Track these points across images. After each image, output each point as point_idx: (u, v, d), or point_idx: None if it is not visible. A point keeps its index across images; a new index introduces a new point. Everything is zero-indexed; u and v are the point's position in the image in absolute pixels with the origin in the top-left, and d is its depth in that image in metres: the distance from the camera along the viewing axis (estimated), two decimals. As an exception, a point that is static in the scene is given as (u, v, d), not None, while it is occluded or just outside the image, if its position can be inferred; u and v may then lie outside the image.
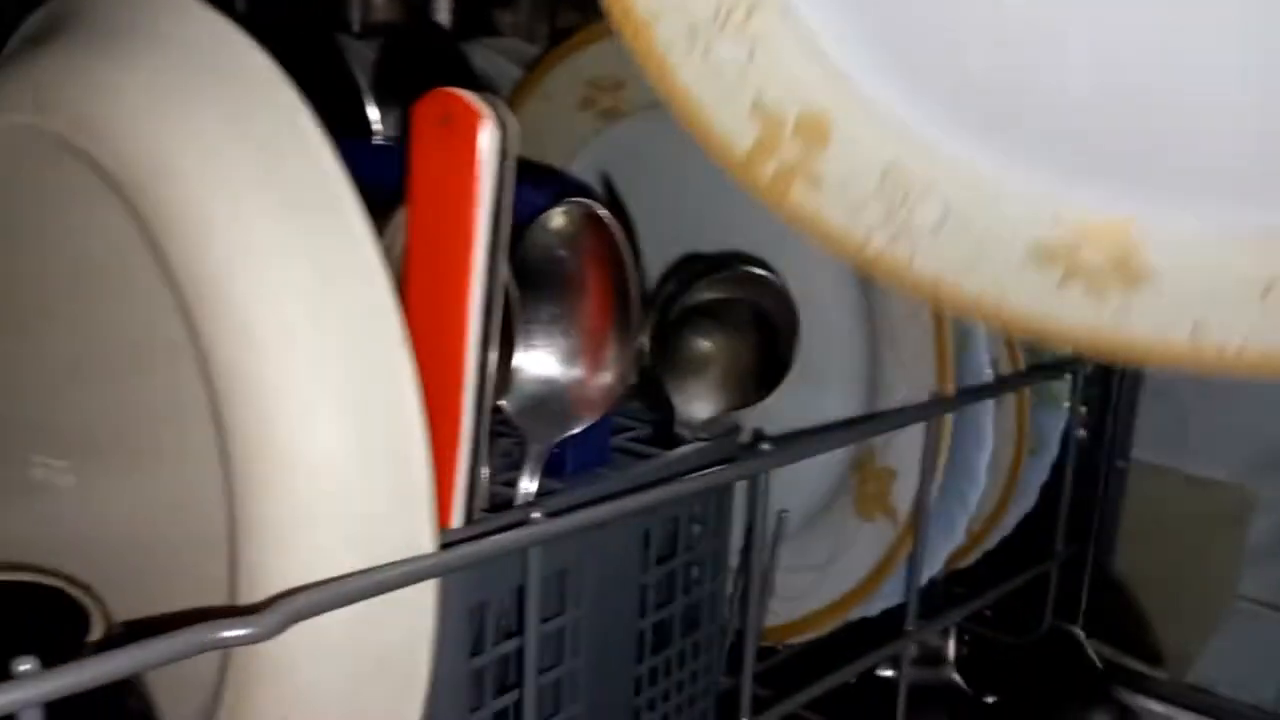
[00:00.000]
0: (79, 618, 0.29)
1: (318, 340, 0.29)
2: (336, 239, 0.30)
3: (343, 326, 0.30)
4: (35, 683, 0.22)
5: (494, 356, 0.33)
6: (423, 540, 0.30)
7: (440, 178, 0.32)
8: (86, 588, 0.30)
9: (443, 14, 0.91)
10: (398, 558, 0.29)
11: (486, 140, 0.31)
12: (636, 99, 0.51)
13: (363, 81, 0.43)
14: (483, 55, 0.71)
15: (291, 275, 0.30)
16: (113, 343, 0.33)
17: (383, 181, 0.32)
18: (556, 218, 0.34)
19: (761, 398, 0.42)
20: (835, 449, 0.47)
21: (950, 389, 0.46)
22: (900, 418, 0.46)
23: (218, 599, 0.31)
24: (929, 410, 0.46)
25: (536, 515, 0.32)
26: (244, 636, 0.25)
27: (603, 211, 0.34)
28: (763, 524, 0.39)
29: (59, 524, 0.36)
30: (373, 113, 0.43)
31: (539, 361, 0.35)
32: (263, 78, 0.31)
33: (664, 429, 0.41)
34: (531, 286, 0.35)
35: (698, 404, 0.41)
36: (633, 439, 0.41)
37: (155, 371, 0.32)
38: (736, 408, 0.42)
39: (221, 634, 0.24)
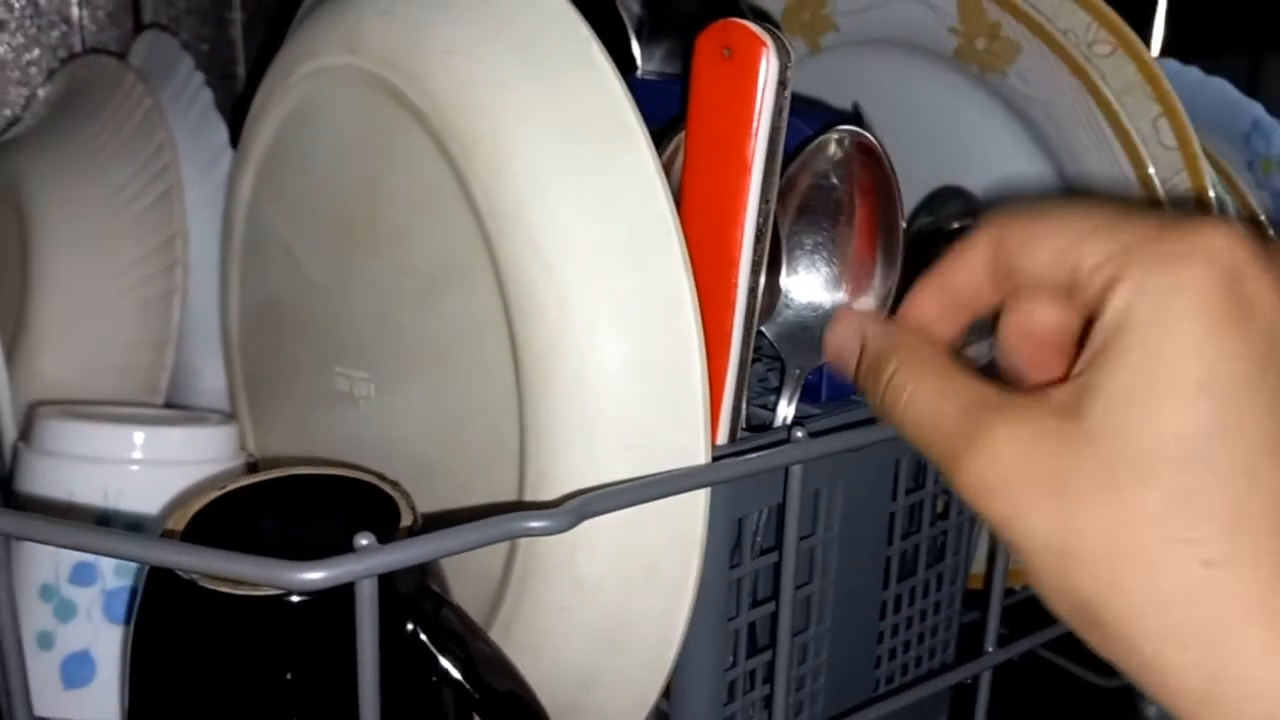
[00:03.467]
0: (390, 508, 0.32)
1: (605, 260, 0.31)
2: (625, 166, 0.31)
3: (628, 248, 0.31)
4: (374, 555, 0.25)
5: (762, 280, 0.34)
6: (696, 452, 0.31)
7: (720, 105, 0.33)
8: (394, 483, 0.33)
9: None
10: (672, 467, 0.31)
11: (768, 69, 0.32)
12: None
13: (627, 18, 0.44)
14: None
15: (582, 200, 0.31)
16: (416, 263, 0.35)
17: (651, 115, 0.33)
18: (830, 145, 0.34)
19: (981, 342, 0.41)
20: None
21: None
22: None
23: (505, 498, 0.34)
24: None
25: (800, 434, 0.33)
26: (543, 528, 0.27)
27: (875, 140, 0.34)
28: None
29: (360, 430, 0.39)
30: (636, 48, 0.44)
31: (803, 287, 0.36)
32: (556, 13, 0.33)
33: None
34: (798, 212, 0.35)
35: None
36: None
37: (454, 290, 0.34)
38: (972, 344, 0.41)
39: (526, 524, 0.27)
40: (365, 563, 0.25)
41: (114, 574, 0.39)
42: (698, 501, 0.31)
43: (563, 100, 0.32)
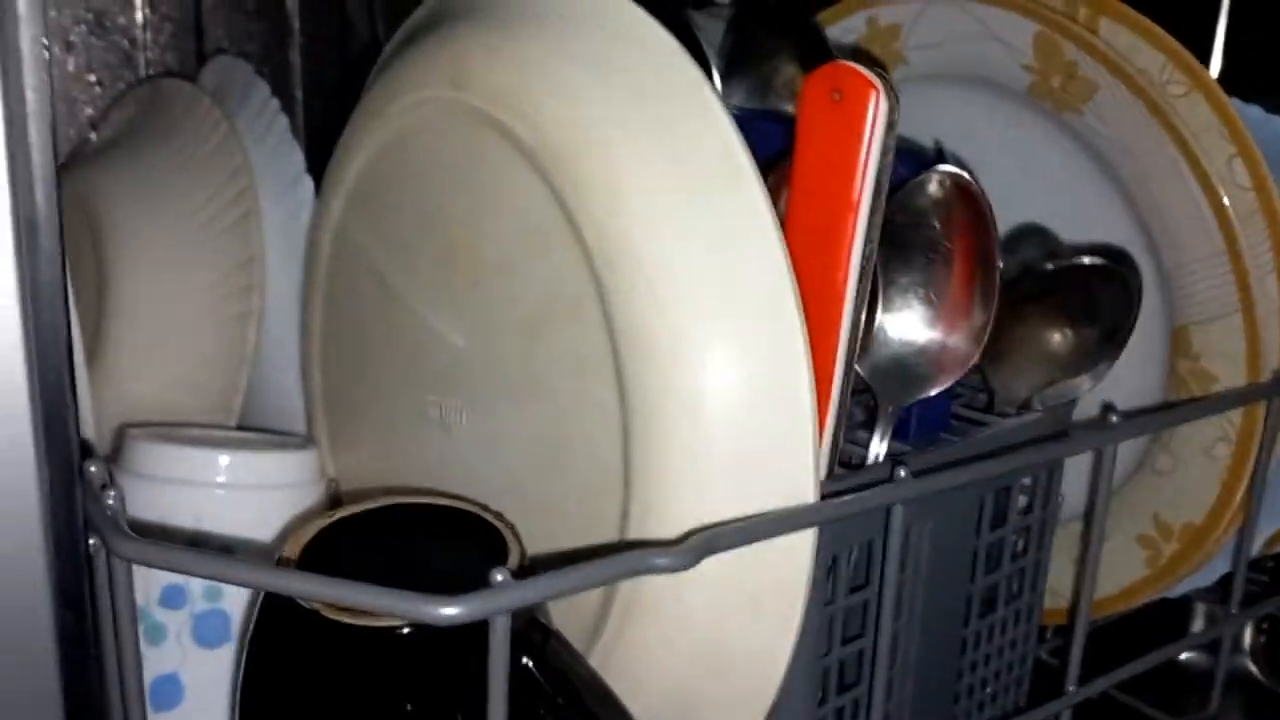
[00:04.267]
0: (495, 539, 0.32)
1: (717, 299, 0.32)
2: (738, 207, 0.32)
3: (741, 287, 0.32)
4: (509, 591, 0.25)
5: (862, 318, 0.34)
6: (806, 490, 0.31)
7: (828, 146, 0.33)
8: (498, 514, 0.34)
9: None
10: (780, 505, 0.31)
11: (877, 112, 0.32)
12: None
13: (711, 54, 0.45)
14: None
15: (695, 239, 0.32)
16: (520, 296, 0.36)
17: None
18: (930, 185, 0.35)
19: (1081, 378, 0.41)
20: (1180, 424, 0.46)
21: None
22: (1237, 397, 0.45)
23: (604, 532, 0.34)
24: (1271, 390, 0.44)
25: (903, 473, 0.33)
26: (668, 566, 0.27)
27: (974, 183, 0.35)
28: (1105, 497, 0.39)
29: (450, 457, 0.40)
30: (718, 83, 0.45)
31: (898, 324, 0.36)
32: (668, 56, 0.33)
33: (994, 397, 0.42)
34: (894, 249, 0.36)
35: (1016, 381, 0.42)
36: (964, 405, 0.42)
37: (559, 324, 0.35)
38: (1051, 387, 0.42)
39: (652, 562, 0.27)
40: (501, 599, 0.25)
41: (203, 597, 0.39)
42: (806, 539, 0.32)
43: (676, 141, 0.32)
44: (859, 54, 0.51)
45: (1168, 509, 0.48)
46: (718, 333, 0.31)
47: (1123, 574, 0.49)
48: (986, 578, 0.41)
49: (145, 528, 0.40)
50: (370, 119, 0.41)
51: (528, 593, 0.26)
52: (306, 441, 0.47)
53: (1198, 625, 0.62)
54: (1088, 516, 0.42)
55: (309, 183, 0.52)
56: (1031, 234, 0.46)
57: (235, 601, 0.39)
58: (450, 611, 0.25)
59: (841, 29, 0.54)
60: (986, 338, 0.36)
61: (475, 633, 0.26)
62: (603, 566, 0.27)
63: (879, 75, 0.32)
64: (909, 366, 0.36)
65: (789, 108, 0.45)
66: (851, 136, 0.33)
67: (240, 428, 0.51)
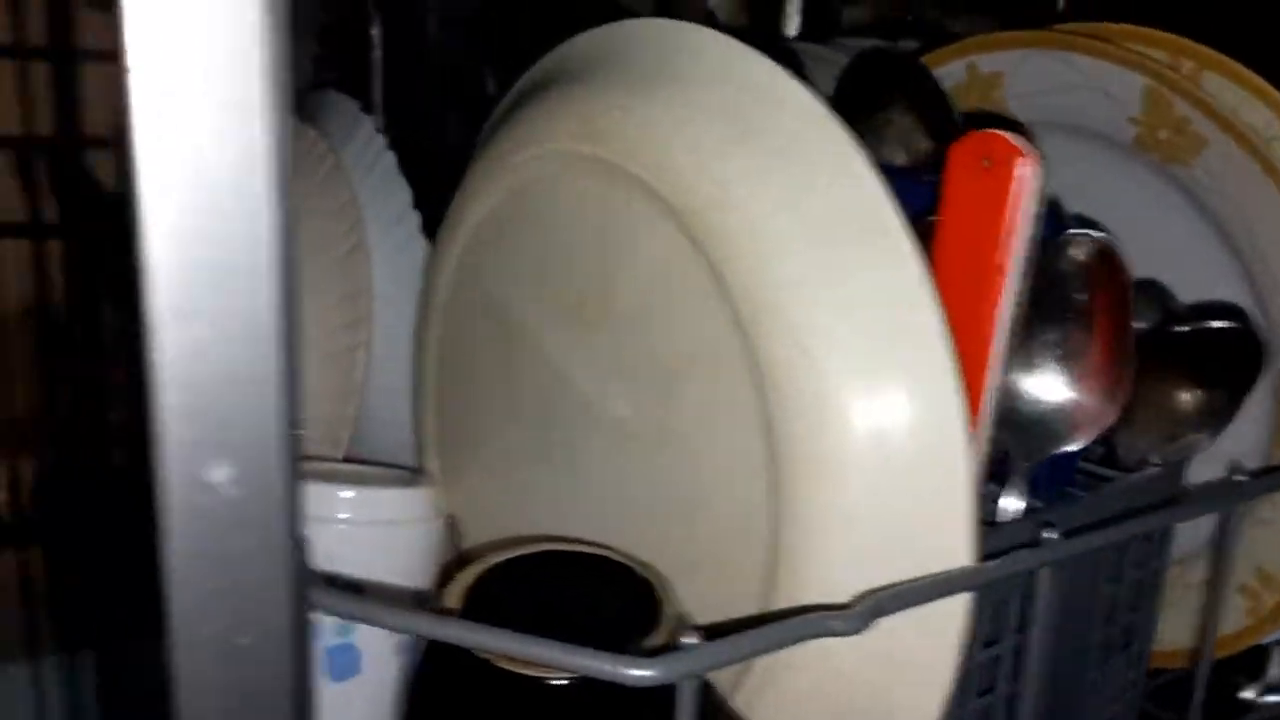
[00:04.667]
0: (648, 593, 0.33)
1: (869, 358, 0.32)
2: (891, 267, 0.32)
3: (895, 347, 0.32)
4: (701, 654, 0.26)
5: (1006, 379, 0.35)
6: (960, 551, 0.32)
7: (976, 213, 0.34)
8: (645, 564, 0.34)
9: (793, 16, 0.93)
10: (934, 566, 0.32)
11: (1028, 181, 0.33)
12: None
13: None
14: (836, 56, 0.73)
15: (846, 298, 0.32)
16: (655, 347, 0.37)
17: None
18: (1073, 248, 0.35)
19: (1202, 435, 0.42)
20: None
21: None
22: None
23: (741, 586, 0.35)
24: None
25: (1053, 535, 0.33)
26: (844, 629, 0.28)
27: (1114, 245, 0.35)
28: (1231, 555, 0.39)
29: (572, 499, 0.41)
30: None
31: (1037, 382, 0.37)
32: (811, 115, 0.34)
33: (1115, 451, 0.42)
34: (1032, 308, 0.36)
35: (1140, 437, 0.42)
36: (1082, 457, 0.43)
37: (698, 375, 0.35)
38: (1173, 443, 0.42)
39: (830, 625, 0.28)
40: (693, 661, 0.26)
41: (335, 632, 0.40)
42: (961, 600, 0.32)
43: (823, 200, 0.33)
44: (988, 117, 0.51)
45: (1272, 559, 0.48)
46: (871, 392, 0.32)
47: (1222, 623, 0.49)
48: (1105, 628, 0.41)
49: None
50: (493, 165, 0.42)
51: (718, 656, 0.26)
52: (421, 476, 0.48)
53: (1275, 670, 0.62)
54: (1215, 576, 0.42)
55: (415, 218, 0.53)
56: (1147, 288, 0.47)
57: (366, 637, 0.40)
58: (644, 673, 0.25)
59: (940, 75, 0.54)
60: (1126, 399, 0.36)
61: (645, 688, 0.27)
62: (781, 630, 0.27)
63: (1028, 142, 0.33)
64: (1046, 424, 0.37)
65: (898, 159, 0.46)
66: (1001, 203, 0.33)
67: (347, 460, 0.52)
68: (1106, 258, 0.36)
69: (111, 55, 0.17)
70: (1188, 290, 0.49)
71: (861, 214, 0.33)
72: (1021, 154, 0.33)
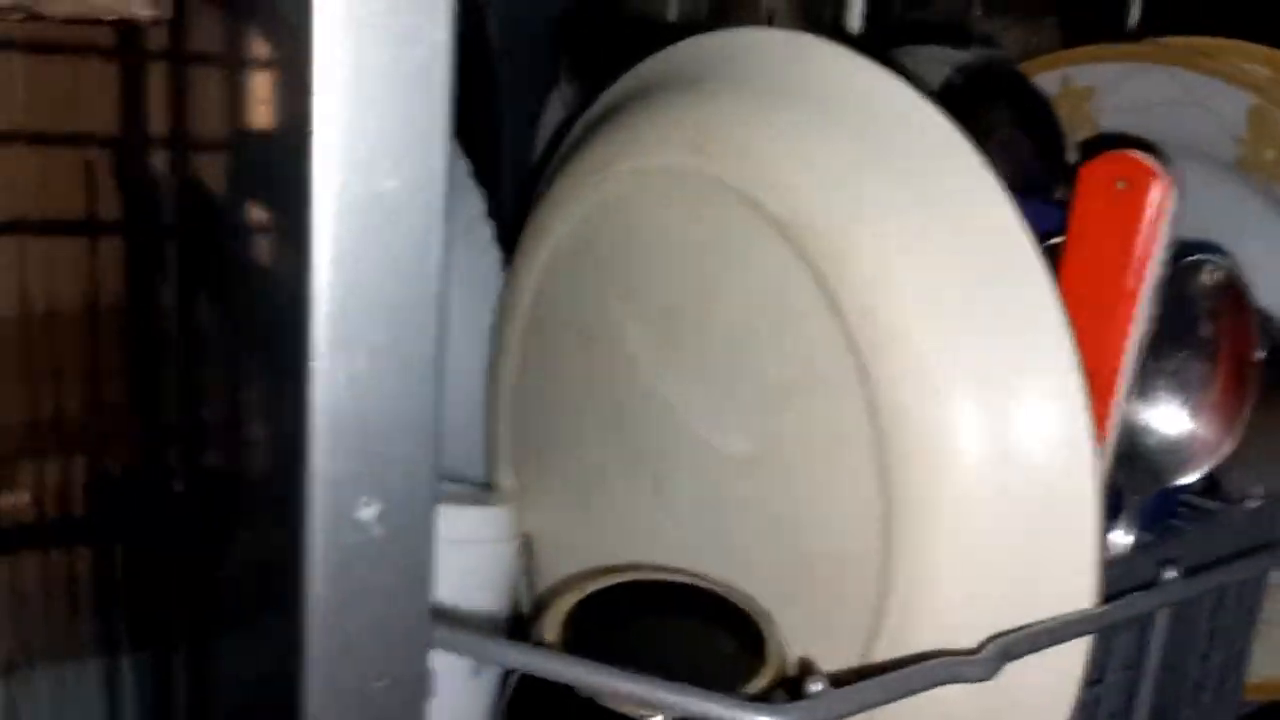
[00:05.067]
0: (747, 626, 0.32)
1: (995, 385, 0.31)
2: (1021, 294, 0.31)
3: (1020, 375, 0.31)
4: (829, 703, 0.25)
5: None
6: (1084, 593, 0.31)
7: (1108, 234, 0.32)
8: (745, 595, 0.33)
9: (855, 17, 0.91)
10: (1054, 606, 0.30)
11: (1163, 204, 0.31)
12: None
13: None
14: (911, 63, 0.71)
15: (972, 328, 0.31)
16: (761, 368, 0.35)
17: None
18: (1199, 274, 0.34)
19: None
20: None
21: None
22: None
23: (849, 619, 0.33)
24: None
25: (1171, 575, 0.32)
26: (976, 675, 0.27)
27: (1241, 275, 0.34)
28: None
29: (661, 524, 0.39)
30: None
31: (1154, 413, 0.35)
32: (939, 135, 0.32)
33: (1219, 483, 0.41)
34: (1155, 336, 0.35)
35: (1246, 469, 0.41)
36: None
37: (806, 398, 0.34)
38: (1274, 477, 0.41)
39: (961, 671, 0.26)
40: (822, 710, 0.25)
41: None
42: (1080, 641, 0.31)
43: (951, 223, 0.32)
44: (1118, 137, 0.50)
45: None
46: (996, 421, 0.31)
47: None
48: (1203, 664, 0.40)
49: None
50: (585, 178, 0.41)
51: (847, 704, 0.25)
52: (493, 494, 0.46)
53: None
54: None
55: (489, 226, 0.52)
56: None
57: (442, 659, 0.39)
58: (774, 721, 0.24)
59: (1031, 88, 0.53)
60: (1241, 429, 0.35)
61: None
62: (910, 676, 0.26)
63: (1163, 165, 0.32)
64: (1161, 457, 0.35)
65: (1002, 173, 0.45)
66: (1134, 227, 0.32)
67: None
68: (1232, 286, 0.34)
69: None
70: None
71: (992, 238, 0.32)
72: (1158, 176, 0.31)
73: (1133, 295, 0.32)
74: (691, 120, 0.37)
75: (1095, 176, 0.32)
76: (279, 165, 0.17)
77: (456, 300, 0.51)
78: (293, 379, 0.17)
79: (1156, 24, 0.78)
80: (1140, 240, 0.32)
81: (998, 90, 0.42)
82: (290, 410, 0.17)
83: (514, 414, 0.46)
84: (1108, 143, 0.33)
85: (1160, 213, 0.31)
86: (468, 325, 0.50)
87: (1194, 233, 0.48)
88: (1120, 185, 0.32)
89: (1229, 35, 0.50)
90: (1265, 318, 0.46)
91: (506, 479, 0.47)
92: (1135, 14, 0.80)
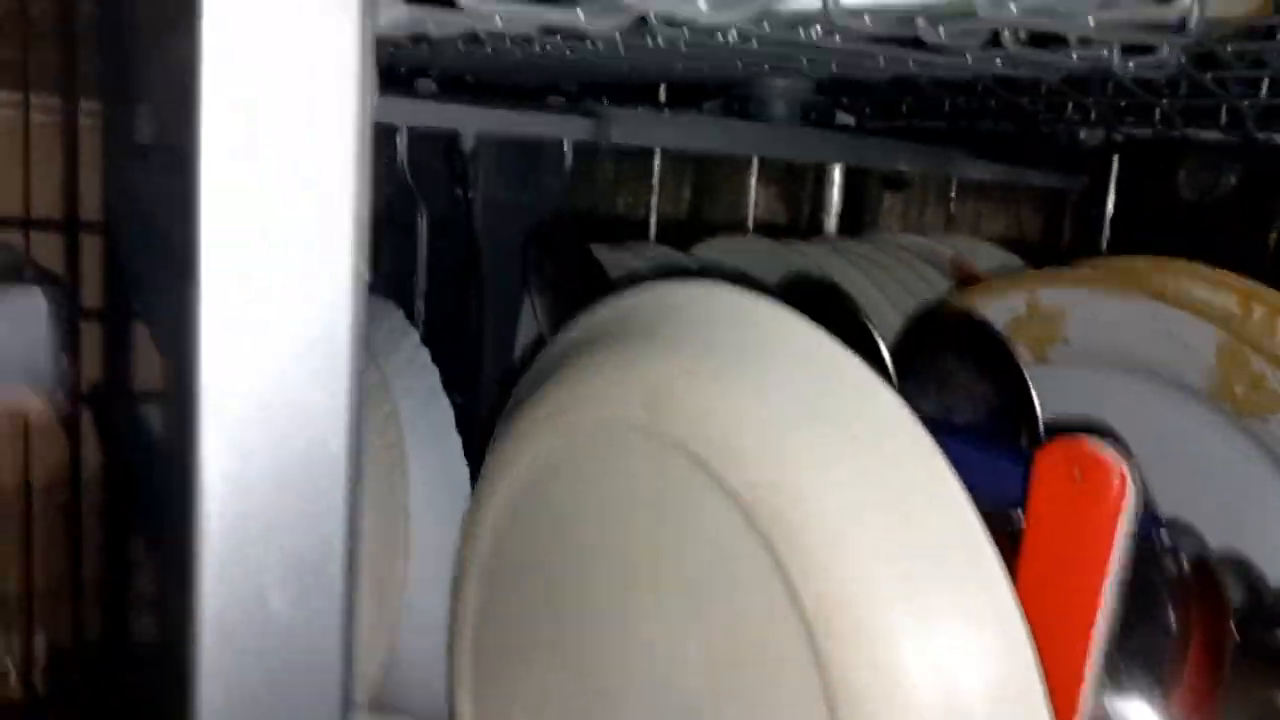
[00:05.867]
0: None
1: (951, 674, 0.30)
2: (975, 583, 0.30)
3: (979, 663, 0.30)
4: None
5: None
6: None
7: (1065, 523, 0.32)
8: None
9: (830, 218, 0.94)
10: None
11: (1124, 500, 0.31)
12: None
13: (889, 359, 0.44)
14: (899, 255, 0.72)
15: (924, 609, 0.30)
16: (710, 621, 0.35)
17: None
18: (1168, 560, 0.33)
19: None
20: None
21: None
22: None
23: None
24: None
25: None
26: None
27: (1214, 562, 0.33)
28: None
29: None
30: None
31: (1125, 702, 0.34)
32: (884, 407, 0.32)
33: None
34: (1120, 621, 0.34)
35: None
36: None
37: (756, 659, 0.33)
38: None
39: None
40: None
41: None
42: None
43: (897, 498, 0.31)
44: (1074, 423, 0.50)
45: None
46: (951, 707, 0.30)
47: None
48: None
49: None
50: (543, 422, 0.41)
51: None
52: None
53: None
54: None
55: (458, 440, 0.52)
56: (1232, 567, 0.44)
57: None
58: None
59: (999, 309, 0.53)
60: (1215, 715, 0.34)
61: None
62: None
63: (1123, 457, 0.31)
64: (1131, 740, 0.34)
65: (961, 409, 0.44)
66: (1094, 521, 0.31)
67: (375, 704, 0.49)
68: (1203, 573, 0.33)
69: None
70: (1271, 553, 0.46)
71: (945, 521, 0.31)
72: (1114, 470, 0.31)
73: (1097, 591, 0.31)
74: (648, 380, 0.37)
75: (1051, 463, 0.32)
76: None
77: (425, 515, 0.50)
78: None
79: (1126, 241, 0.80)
80: (1102, 536, 0.31)
81: (952, 333, 0.42)
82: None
83: (476, 650, 0.45)
84: (1063, 428, 0.33)
85: (1121, 509, 0.31)
86: (438, 547, 0.49)
87: (1165, 460, 0.48)
88: (1077, 474, 0.31)
89: (1198, 252, 0.51)
90: (1247, 569, 0.45)
91: (466, 710, 0.46)
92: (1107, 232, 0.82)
